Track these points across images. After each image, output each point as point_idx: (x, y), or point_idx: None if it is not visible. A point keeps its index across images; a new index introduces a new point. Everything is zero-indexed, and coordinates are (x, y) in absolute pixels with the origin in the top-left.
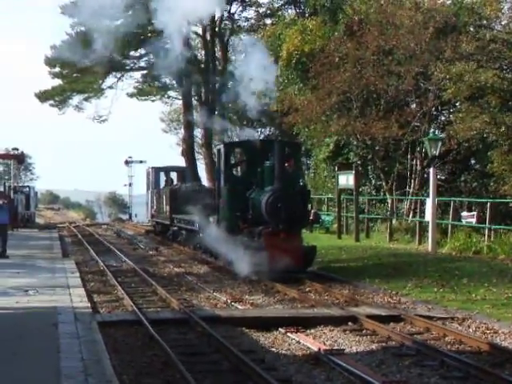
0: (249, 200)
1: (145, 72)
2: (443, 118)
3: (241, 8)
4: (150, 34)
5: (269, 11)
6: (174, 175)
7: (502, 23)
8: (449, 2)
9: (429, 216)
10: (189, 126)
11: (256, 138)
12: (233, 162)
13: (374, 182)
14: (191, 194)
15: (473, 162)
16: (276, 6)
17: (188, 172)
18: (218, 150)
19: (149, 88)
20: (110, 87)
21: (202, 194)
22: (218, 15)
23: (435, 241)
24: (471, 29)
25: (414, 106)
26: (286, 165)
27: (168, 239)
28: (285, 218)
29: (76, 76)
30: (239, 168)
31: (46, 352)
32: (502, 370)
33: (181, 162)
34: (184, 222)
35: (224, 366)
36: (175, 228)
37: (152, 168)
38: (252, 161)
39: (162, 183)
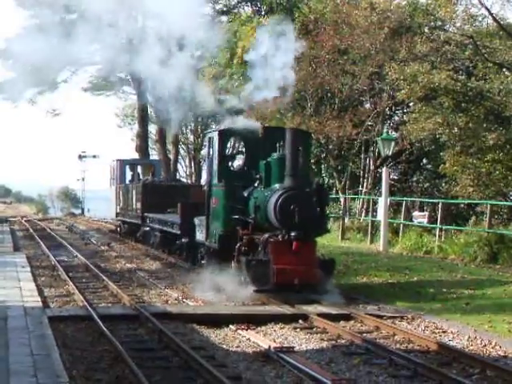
0: (249, 200)
1: (99, 66)
2: (397, 118)
3: None
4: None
5: (225, 8)
6: (139, 169)
7: (456, 25)
8: (404, 3)
9: (381, 215)
10: (143, 122)
11: (258, 125)
12: (229, 152)
13: (327, 180)
14: (168, 189)
15: (425, 162)
16: (232, 3)
17: (159, 165)
18: (210, 139)
19: (103, 83)
20: (65, 81)
21: (181, 190)
22: None
23: (387, 240)
24: (426, 30)
25: (368, 105)
26: None
27: (137, 241)
28: (299, 223)
29: (30, 69)
30: (237, 160)
31: None
32: (449, 369)
33: (135, 157)
34: (159, 222)
35: (174, 362)
36: (147, 228)
37: (117, 161)
38: (253, 152)
39: (128, 178)
